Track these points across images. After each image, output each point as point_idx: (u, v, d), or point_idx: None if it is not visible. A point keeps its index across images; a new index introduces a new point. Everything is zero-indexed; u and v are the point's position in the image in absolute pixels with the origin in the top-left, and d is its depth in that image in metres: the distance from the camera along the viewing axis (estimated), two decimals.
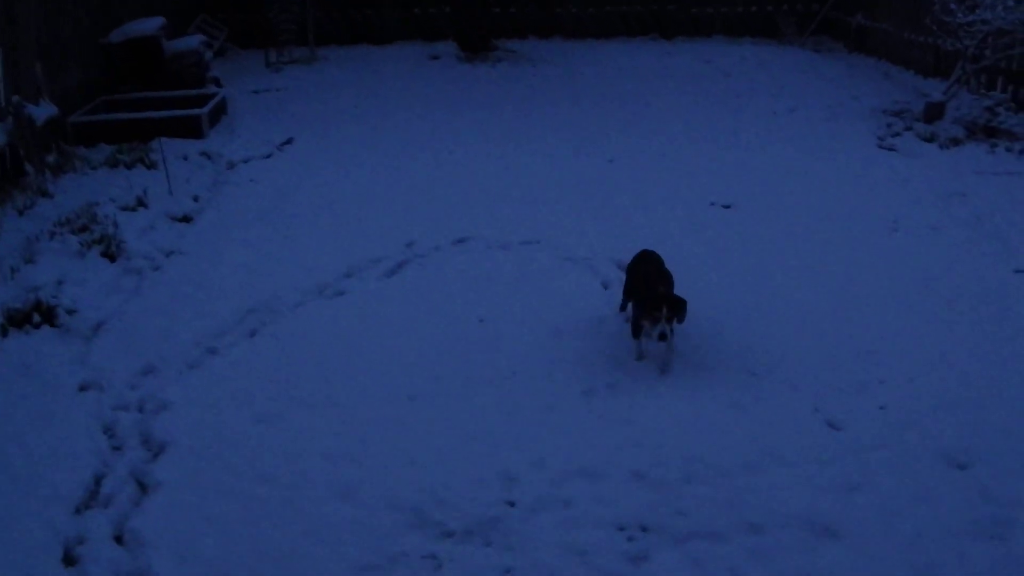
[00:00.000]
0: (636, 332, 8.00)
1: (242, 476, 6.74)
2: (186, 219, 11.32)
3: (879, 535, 6.15)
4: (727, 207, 11.46)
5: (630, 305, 8.46)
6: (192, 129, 14.50)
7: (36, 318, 8.63)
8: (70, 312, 8.84)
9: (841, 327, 8.52)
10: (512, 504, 6.44)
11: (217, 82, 17.19)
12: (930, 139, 13.96)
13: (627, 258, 9.58)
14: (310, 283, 9.38)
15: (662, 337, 7.66)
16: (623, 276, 9.39)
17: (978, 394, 7.56)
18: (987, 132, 13.87)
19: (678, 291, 8.13)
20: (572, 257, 9.90)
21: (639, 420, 7.25)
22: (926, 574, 5.83)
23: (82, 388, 7.83)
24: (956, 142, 13.69)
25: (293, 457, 6.92)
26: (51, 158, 12.72)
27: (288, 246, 10.34)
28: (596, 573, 5.88)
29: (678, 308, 7.76)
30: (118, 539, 6.23)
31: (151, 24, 16.20)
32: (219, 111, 15.73)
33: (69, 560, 6.02)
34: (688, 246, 10.17)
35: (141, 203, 11.44)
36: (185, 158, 13.41)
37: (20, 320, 8.57)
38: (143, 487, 6.71)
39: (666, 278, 8.30)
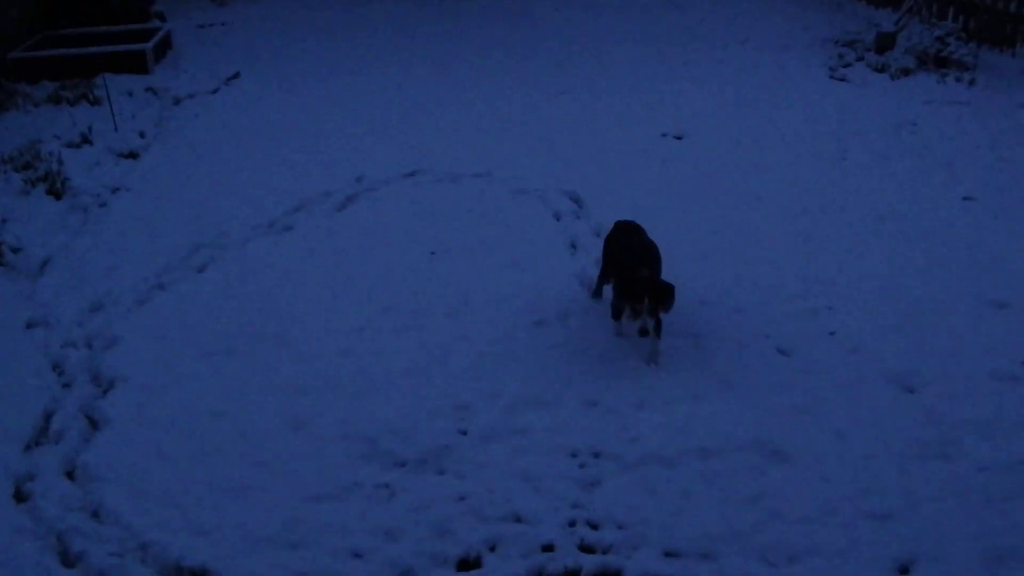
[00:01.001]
0: (616, 314, 7.27)
1: (193, 410, 6.70)
2: (132, 155, 11.13)
3: (828, 457, 6.23)
4: (679, 138, 11.44)
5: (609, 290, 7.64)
6: (137, 64, 14.21)
7: None
8: (15, 250, 8.70)
9: (792, 256, 8.57)
10: (465, 433, 6.45)
11: (161, 16, 16.84)
12: (881, 69, 13.99)
13: (581, 190, 9.61)
14: (259, 218, 9.28)
15: (643, 332, 6.92)
16: (575, 207, 9.38)
17: (926, 319, 7.65)
18: (937, 62, 13.91)
19: (654, 236, 7.65)
20: (524, 189, 9.84)
21: (591, 350, 7.26)
22: (874, 494, 5.93)
23: (29, 326, 7.73)
24: (907, 72, 13.72)
25: (244, 391, 6.88)
26: None
27: (236, 181, 10.20)
28: (550, 499, 5.92)
29: (663, 297, 6.85)
30: (69, 475, 6.20)
31: None
32: (164, 46, 15.42)
33: (20, 496, 5.99)
34: (640, 177, 10.15)
35: (86, 140, 11.24)
36: (130, 94, 13.15)
37: None
38: (93, 423, 6.66)
39: (651, 254, 7.32)
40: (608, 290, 7.63)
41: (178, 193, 9.93)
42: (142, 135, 11.70)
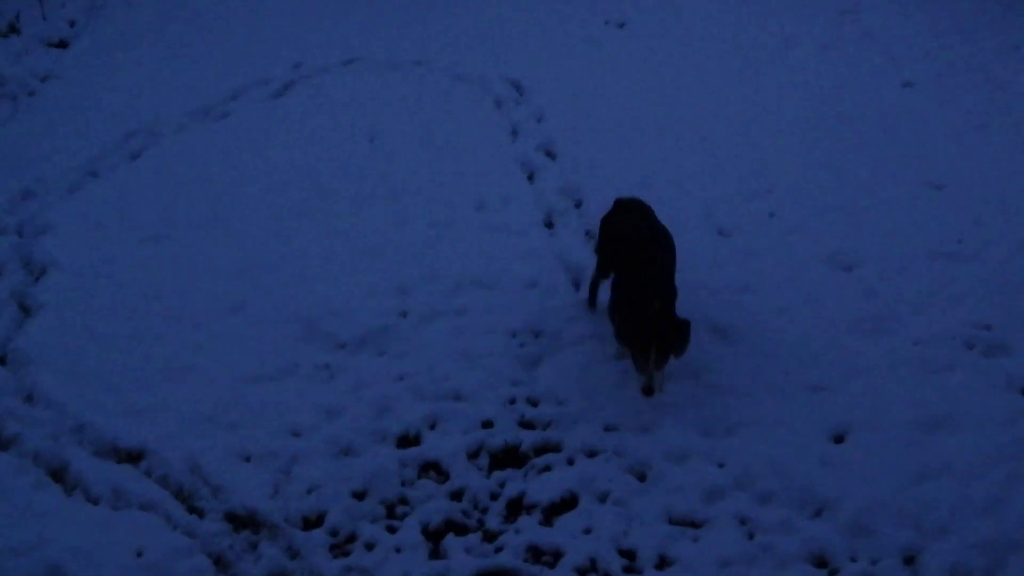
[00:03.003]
0: (619, 338, 5.75)
1: (128, 295, 6.60)
2: (62, 44, 10.73)
3: (767, 333, 6.28)
4: (621, 26, 11.23)
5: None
6: None
7: None
8: None
9: (733, 141, 8.50)
10: (405, 314, 6.42)
11: None
12: None
13: (521, 77, 9.42)
14: (194, 105, 9.02)
15: (648, 391, 5.44)
16: (516, 94, 9.22)
17: (864, 201, 7.66)
18: None
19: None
20: (463, 77, 9.65)
21: (531, 232, 7.22)
22: (811, 367, 6.00)
23: None
24: None
25: (181, 275, 6.78)
26: None
27: (170, 69, 9.89)
28: (489, 377, 5.93)
29: (675, 343, 5.50)
30: (1, 360, 6.10)
31: None
32: None
33: None
34: (580, 64, 9.98)
35: (13, 29, 10.81)
36: None
37: None
38: (25, 309, 6.54)
39: (663, 253, 5.91)
40: (603, 297, 6.34)
41: (110, 81, 9.62)
42: (72, 24, 11.27)
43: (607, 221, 6.23)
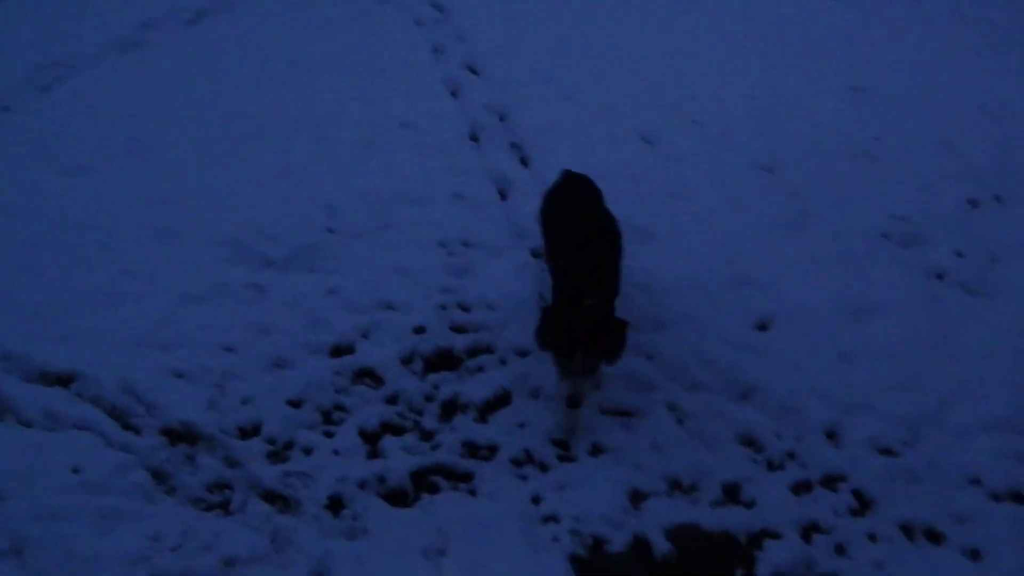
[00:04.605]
0: (539, 340, 5.01)
1: (53, 226, 6.49)
2: None
3: (692, 234, 6.40)
4: None
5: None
6: None
7: None
8: None
9: (657, 52, 8.54)
10: (333, 232, 6.42)
11: None
12: None
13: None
14: (107, 36, 8.81)
15: (573, 402, 4.78)
16: (438, 14, 9.16)
17: (787, 107, 7.79)
18: None
19: None
20: None
21: (457, 147, 7.24)
22: (735, 262, 6.13)
23: None
24: None
25: (105, 205, 6.67)
26: None
27: (79, 1, 9.65)
28: (421, 287, 5.98)
29: (606, 347, 4.80)
30: None
31: None
32: None
33: None
34: None
35: None
36: None
37: None
38: None
39: (603, 250, 5.16)
40: None
41: (16, 14, 9.32)
42: None
43: (545, 206, 5.58)
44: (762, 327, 5.67)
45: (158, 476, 4.80)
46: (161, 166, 7.07)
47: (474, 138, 7.37)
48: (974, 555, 4.53)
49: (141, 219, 6.53)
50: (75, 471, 4.79)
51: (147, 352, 5.52)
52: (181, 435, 5.02)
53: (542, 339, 4.85)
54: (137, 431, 5.03)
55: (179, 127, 7.50)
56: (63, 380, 5.32)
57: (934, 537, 4.65)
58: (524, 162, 7.14)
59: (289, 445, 5.01)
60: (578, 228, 5.17)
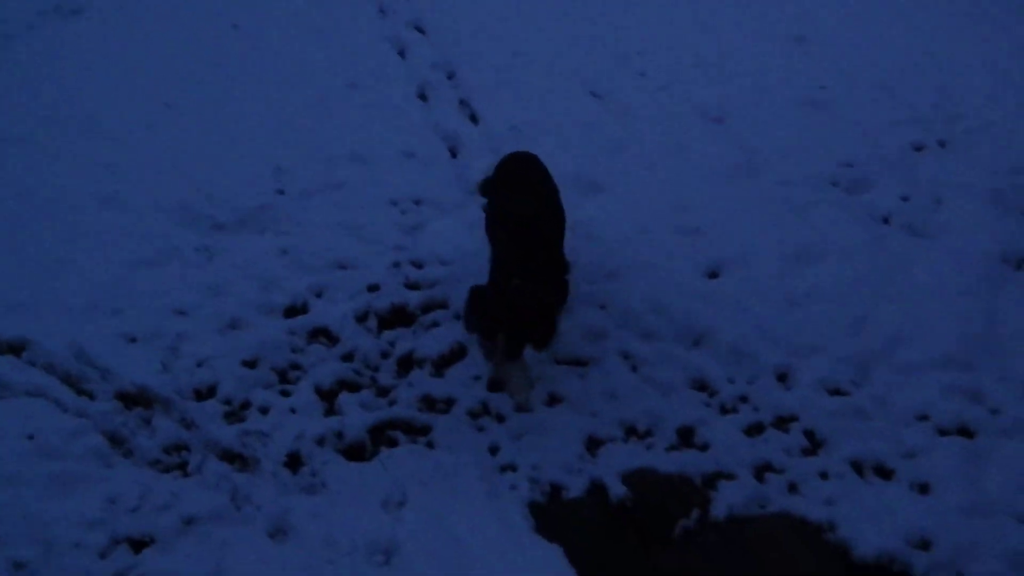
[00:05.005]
0: (465, 322, 4.99)
1: None
2: None
3: (640, 184, 6.44)
4: None
5: None
6: None
7: None
8: None
9: (601, 5, 8.53)
10: (283, 192, 6.39)
11: None
12: None
13: None
14: (44, 4, 8.62)
15: (495, 385, 4.86)
16: None
17: (733, 58, 7.82)
18: None
19: None
20: None
21: (405, 105, 7.23)
22: (685, 213, 6.18)
23: None
24: None
25: (48, 174, 6.57)
26: None
27: None
28: (373, 245, 5.98)
29: (533, 329, 4.68)
30: None
31: None
32: None
33: None
34: None
35: None
36: None
37: None
38: None
39: (540, 228, 4.95)
40: None
41: None
42: None
43: (488, 192, 5.46)
44: (712, 274, 5.72)
45: (114, 440, 4.76)
46: (104, 133, 6.99)
47: (422, 96, 7.36)
48: (923, 489, 4.62)
49: (86, 187, 6.45)
50: (29, 437, 4.73)
51: (98, 318, 5.47)
52: (136, 399, 4.98)
53: (467, 321, 4.81)
54: (91, 396, 4.99)
55: (121, 94, 7.41)
56: (14, 348, 5.25)
57: (884, 473, 4.73)
58: (474, 119, 7.14)
59: (245, 405, 5.01)
60: (516, 208, 5.00)
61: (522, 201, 5.03)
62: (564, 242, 5.29)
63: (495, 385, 4.87)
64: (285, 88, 7.42)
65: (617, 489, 4.61)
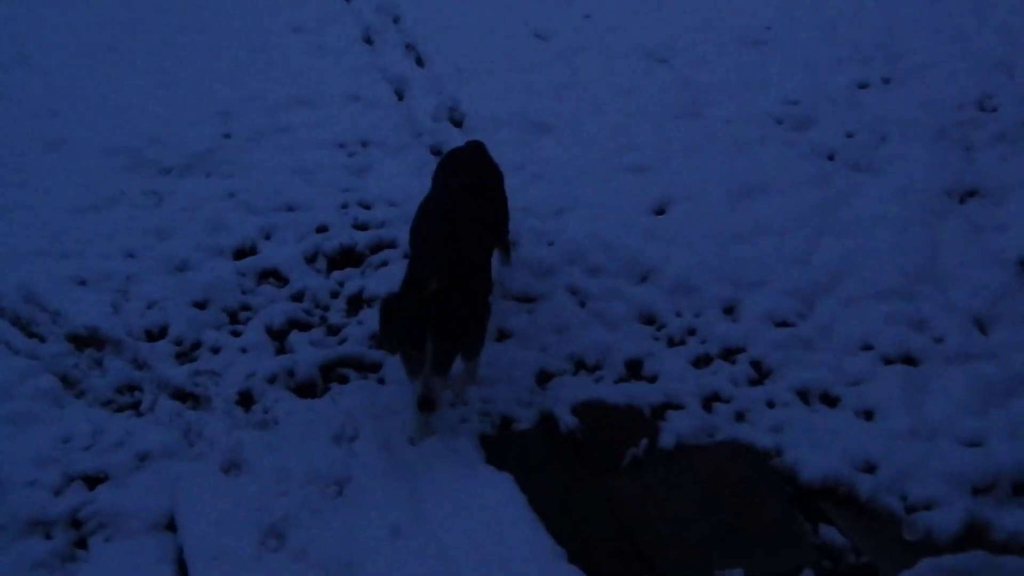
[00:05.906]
0: (381, 338, 4.35)
1: None
2: None
3: (587, 125, 6.49)
4: None
5: None
6: None
7: None
8: None
9: None
10: (229, 136, 6.37)
11: None
12: None
13: None
14: None
15: (425, 405, 3.99)
16: None
17: None
18: None
19: None
20: None
21: (350, 49, 7.21)
22: (631, 151, 6.25)
23: None
24: None
25: None
26: None
27: None
28: (321, 187, 5.98)
29: (459, 335, 4.06)
30: None
31: None
32: None
33: None
34: None
35: None
36: None
37: None
38: None
39: (469, 223, 4.46)
40: None
41: None
42: None
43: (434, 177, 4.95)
44: (659, 211, 5.79)
45: (66, 381, 4.75)
46: (47, 78, 6.93)
47: (368, 40, 7.34)
48: (868, 415, 4.70)
49: (30, 131, 6.41)
50: None
51: (47, 261, 5.43)
52: (87, 340, 4.97)
53: (382, 339, 4.18)
54: (42, 338, 4.98)
55: (63, 39, 7.35)
56: None
57: (829, 400, 4.81)
58: (419, 62, 7.14)
59: (196, 345, 5.01)
60: (442, 204, 4.57)
61: (452, 197, 4.62)
62: (507, 235, 5.19)
63: (427, 403, 3.98)
64: (229, 32, 7.38)
65: (567, 420, 4.65)
